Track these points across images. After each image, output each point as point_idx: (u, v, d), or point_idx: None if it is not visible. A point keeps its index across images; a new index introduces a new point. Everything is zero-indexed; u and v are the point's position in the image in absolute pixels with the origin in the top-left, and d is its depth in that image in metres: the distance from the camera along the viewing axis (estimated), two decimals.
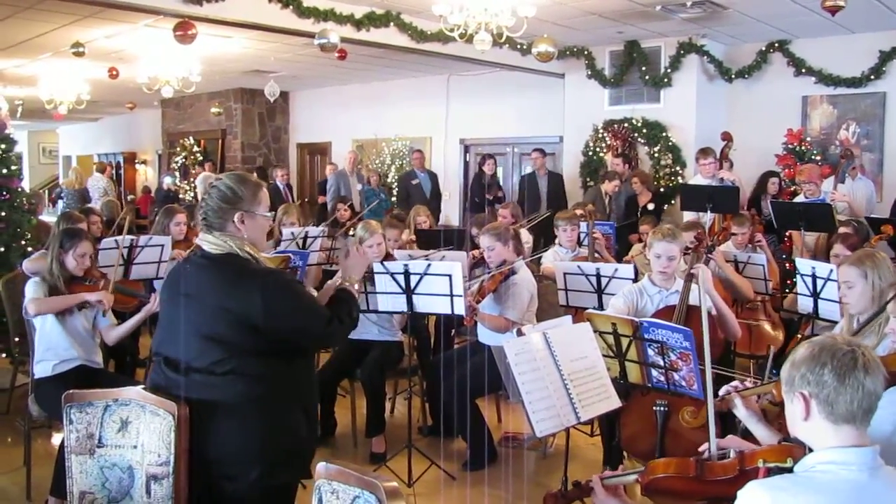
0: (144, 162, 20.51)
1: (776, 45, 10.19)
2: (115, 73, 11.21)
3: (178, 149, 17.31)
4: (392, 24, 9.07)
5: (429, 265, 4.67)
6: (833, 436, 2.03)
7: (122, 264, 5.60)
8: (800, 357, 2.09)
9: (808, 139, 9.95)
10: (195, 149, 16.95)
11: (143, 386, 3.01)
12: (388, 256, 5.59)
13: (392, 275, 4.74)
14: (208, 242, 2.87)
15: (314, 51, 8.80)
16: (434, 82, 13.70)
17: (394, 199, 12.40)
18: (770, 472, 2.20)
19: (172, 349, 2.90)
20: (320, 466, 2.36)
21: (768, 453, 2.29)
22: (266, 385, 2.83)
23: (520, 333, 3.34)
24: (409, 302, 4.77)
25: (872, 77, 9.60)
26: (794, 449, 2.21)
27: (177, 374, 2.86)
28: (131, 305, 5.49)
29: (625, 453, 4.54)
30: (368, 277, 4.88)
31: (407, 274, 4.70)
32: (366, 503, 2.22)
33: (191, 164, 16.99)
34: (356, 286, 3.31)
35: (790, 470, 2.14)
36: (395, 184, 13.01)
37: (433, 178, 11.88)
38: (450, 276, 4.57)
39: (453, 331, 6.23)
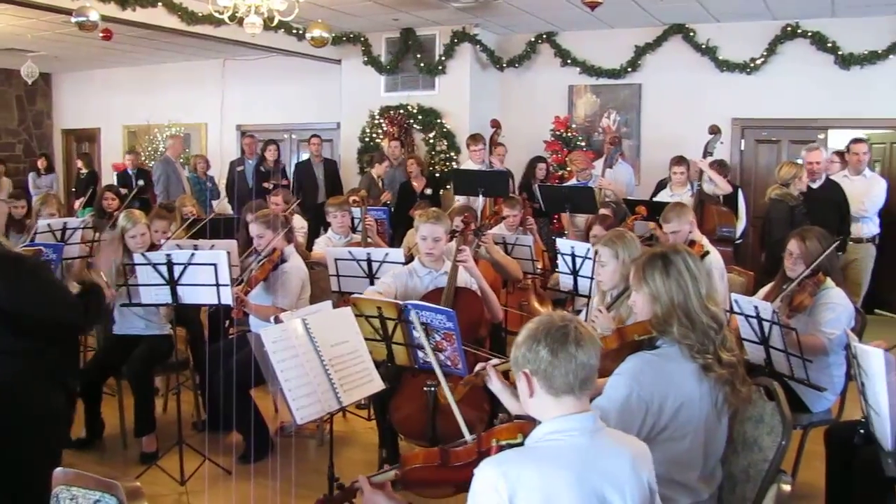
0: None
1: (544, 36, 10.68)
2: None
3: None
4: (160, 3, 8.66)
5: (193, 254, 4.50)
6: (556, 407, 2.14)
7: None
8: (521, 338, 2.20)
9: (574, 126, 10.55)
10: None
11: None
12: (153, 247, 5.35)
13: (154, 265, 4.54)
14: None
15: (76, 29, 8.24)
16: (209, 66, 13.31)
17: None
18: (502, 450, 2.30)
19: None
20: (58, 472, 2.27)
21: (501, 432, 2.40)
22: (23, 361, 3.04)
23: (277, 320, 3.29)
24: (174, 293, 4.59)
25: (630, 69, 10.30)
26: (525, 425, 2.32)
27: None
28: None
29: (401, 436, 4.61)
30: (130, 269, 4.69)
31: (170, 264, 4.51)
32: None
33: None
34: (102, 276, 3.52)
35: (522, 444, 2.24)
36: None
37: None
38: (215, 265, 4.44)
39: (228, 321, 6.06)
